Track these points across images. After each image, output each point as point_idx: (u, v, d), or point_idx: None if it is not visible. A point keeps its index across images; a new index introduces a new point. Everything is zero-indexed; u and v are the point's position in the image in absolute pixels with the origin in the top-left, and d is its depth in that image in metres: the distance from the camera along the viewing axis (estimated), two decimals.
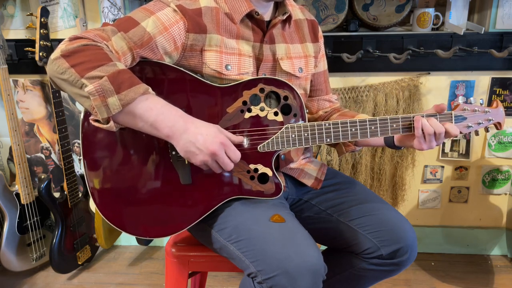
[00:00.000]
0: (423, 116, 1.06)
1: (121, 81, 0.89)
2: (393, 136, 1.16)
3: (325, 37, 1.33)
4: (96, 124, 0.93)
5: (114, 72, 0.89)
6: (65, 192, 1.93)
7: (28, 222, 1.97)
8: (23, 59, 1.98)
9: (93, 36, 0.96)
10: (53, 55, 0.93)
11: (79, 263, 2.05)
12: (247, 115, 1.06)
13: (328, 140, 1.08)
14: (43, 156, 2.18)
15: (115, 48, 0.97)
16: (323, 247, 1.32)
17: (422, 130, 1.05)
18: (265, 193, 1.09)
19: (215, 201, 1.09)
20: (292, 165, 1.23)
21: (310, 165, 1.27)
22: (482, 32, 1.73)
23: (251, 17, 1.11)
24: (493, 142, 1.99)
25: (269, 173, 1.09)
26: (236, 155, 1.00)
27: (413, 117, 1.07)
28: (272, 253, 0.95)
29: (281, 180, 1.13)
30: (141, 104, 0.91)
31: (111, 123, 0.92)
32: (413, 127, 1.06)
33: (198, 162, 0.97)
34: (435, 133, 1.05)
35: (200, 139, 0.94)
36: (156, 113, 0.92)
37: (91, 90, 0.88)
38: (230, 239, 1.05)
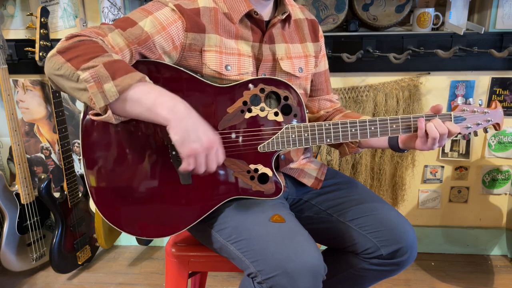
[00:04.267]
0: (422, 117, 1.06)
1: (116, 68, 0.88)
2: (397, 139, 1.16)
3: (325, 37, 1.33)
4: (96, 117, 0.93)
5: (110, 60, 0.89)
6: (65, 192, 1.93)
7: (28, 222, 1.97)
8: (23, 59, 1.98)
9: (89, 33, 0.96)
10: (49, 54, 0.93)
11: (79, 263, 2.05)
12: (247, 115, 1.06)
13: (328, 140, 1.08)
14: (43, 156, 2.18)
15: (112, 44, 0.97)
16: (323, 247, 1.32)
17: (426, 132, 1.05)
18: (265, 193, 1.09)
19: (215, 201, 1.09)
20: (292, 165, 1.23)
21: (310, 165, 1.27)
22: (482, 32, 1.73)
23: (250, 16, 1.11)
24: (493, 142, 1.99)
25: (269, 173, 1.09)
26: (222, 157, 0.97)
27: (412, 117, 1.07)
28: (272, 253, 0.96)
29: (281, 180, 1.13)
30: (138, 88, 0.89)
31: (109, 112, 0.90)
32: (418, 127, 1.06)
33: (189, 151, 0.91)
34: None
35: (201, 129, 0.92)
36: (154, 96, 0.90)
37: (87, 77, 0.87)
38: (230, 239, 1.05)
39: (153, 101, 0.89)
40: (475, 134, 1.13)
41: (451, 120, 1.08)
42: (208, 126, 0.94)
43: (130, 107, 0.90)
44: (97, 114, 0.93)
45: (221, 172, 1.08)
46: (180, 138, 0.90)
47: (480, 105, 1.11)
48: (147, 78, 0.92)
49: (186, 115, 0.91)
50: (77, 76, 0.89)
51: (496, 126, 1.13)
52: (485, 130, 1.14)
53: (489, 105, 1.25)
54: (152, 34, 1.00)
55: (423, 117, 1.07)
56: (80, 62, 0.89)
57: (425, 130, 1.06)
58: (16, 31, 1.99)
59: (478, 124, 1.11)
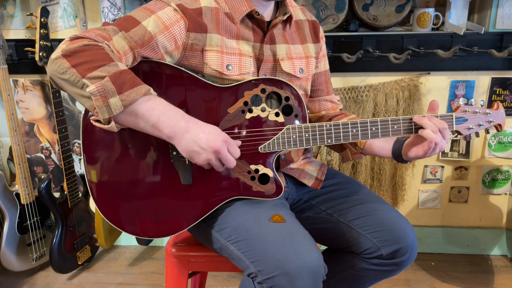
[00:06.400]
0: (424, 117, 1.06)
1: (122, 81, 0.89)
2: (401, 150, 1.15)
3: (325, 37, 1.33)
4: (97, 124, 0.94)
5: (115, 72, 0.89)
6: (65, 192, 1.93)
7: (28, 222, 1.97)
8: (23, 59, 1.98)
9: (94, 36, 0.96)
10: (53, 55, 0.93)
11: (79, 263, 2.05)
12: (248, 115, 1.06)
13: (329, 141, 1.08)
14: (43, 156, 2.18)
15: (116, 48, 0.97)
16: (323, 247, 1.32)
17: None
18: (265, 193, 1.09)
19: (216, 202, 1.09)
20: (292, 165, 1.23)
21: (310, 165, 1.27)
22: (482, 32, 1.74)
23: (251, 17, 1.11)
24: (493, 142, 1.99)
25: (270, 173, 1.08)
26: (237, 152, 1.01)
27: (413, 120, 1.07)
28: (272, 254, 0.96)
29: (282, 180, 1.13)
30: (142, 104, 0.92)
31: (112, 123, 0.92)
32: (428, 141, 1.05)
33: (201, 162, 0.97)
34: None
35: (202, 138, 0.95)
36: (158, 114, 0.93)
37: (93, 90, 0.88)
38: (230, 239, 1.05)
39: (156, 119, 0.93)
40: (477, 135, 1.13)
41: (452, 121, 1.08)
42: (210, 130, 0.96)
43: (134, 121, 0.93)
44: (98, 121, 0.93)
45: (222, 172, 1.08)
46: (188, 154, 0.97)
47: (482, 105, 1.11)
48: (152, 90, 0.94)
49: (186, 130, 0.94)
50: (82, 83, 0.89)
51: (498, 127, 1.12)
52: (487, 131, 1.13)
53: (490, 105, 1.25)
54: (155, 34, 1.00)
55: (424, 117, 1.06)
56: (86, 70, 0.89)
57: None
58: (16, 31, 1.98)
59: (479, 125, 1.10)
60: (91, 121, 0.95)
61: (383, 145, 1.18)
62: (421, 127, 1.06)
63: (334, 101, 1.34)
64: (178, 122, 0.94)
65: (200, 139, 0.94)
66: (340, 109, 1.34)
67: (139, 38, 0.99)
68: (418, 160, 2.02)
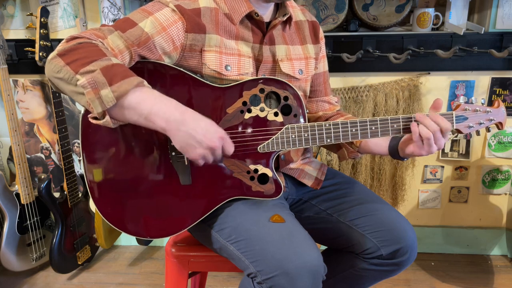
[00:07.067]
0: (415, 122, 1.05)
1: (114, 73, 0.88)
2: (398, 147, 1.14)
3: (325, 37, 1.33)
4: (94, 121, 0.93)
5: (107, 65, 0.89)
6: (65, 192, 1.93)
7: (28, 222, 1.97)
8: (23, 59, 1.98)
9: (89, 35, 0.96)
10: (50, 56, 0.93)
11: (79, 263, 2.05)
12: (247, 115, 1.06)
13: (329, 140, 1.07)
14: (43, 156, 2.18)
15: (111, 46, 0.97)
16: (323, 247, 1.32)
17: (420, 135, 1.04)
18: (265, 193, 1.09)
19: (215, 202, 1.09)
20: (292, 165, 1.23)
21: (310, 165, 1.27)
22: (482, 32, 1.73)
23: (251, 18, 1.11)
24: (493, 142, 1.99)
25: (269, 173, 1.08)
26: (231, 149, 0.99)
27: (413, 117, 1.06)
28: (272, 254, 0.96)
29: (281, 180, 1.13)
30: (134, 95, 0.90)
31: (107, 117, 0.90)
32: (411, 132, 1.05)
33: (196, 156, 0.94)
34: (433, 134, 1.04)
35: (199, 132, 0.92)
36: (151, 105, 0.90)
37: (84, 83, 0.87)
38: (229, 239, 1.05)
39: (149, 110, 0.90)
40: (477, 133, 1.12)
41: (452, 120, 1.08)
42: (207, 123, 0.95)
43: (128, 113, 0.91)
44: (95, 118, 0.93)
45: (221, 172, 1.08)
46: (181, 147, 0.94)
47: (482, 104, 1.10)
48: (145, 82, 0.92)
49: (182, 122, 0.92)
50: (75, 80, 0.89)
51: (499, 125, 1.11)
52: (488, 129, 1.13)
53: (491, 104, 1.25)
54: (152, 35, 1.00)
55: (412, 119, 1.06)
56: (78, 66, 0.89)
57: (419, 133, 1.04)
58: (16, 31, 1.99)
59: (480, 124, 1.09)
60: (89, 119, 0.94)
61: (380, 142, 1.17)
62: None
63: (332, 102, 1.33)
64: (171, 113, 0.91)
65: (197, 134, 0.92)
66: (338, 110, 1.33)
67: (136, 39, 0.99)
68: (418, 160, 2.04)
